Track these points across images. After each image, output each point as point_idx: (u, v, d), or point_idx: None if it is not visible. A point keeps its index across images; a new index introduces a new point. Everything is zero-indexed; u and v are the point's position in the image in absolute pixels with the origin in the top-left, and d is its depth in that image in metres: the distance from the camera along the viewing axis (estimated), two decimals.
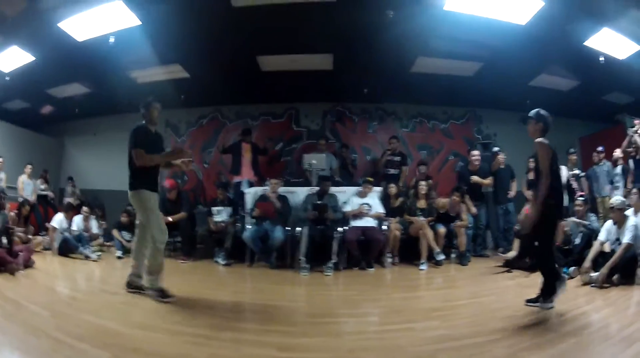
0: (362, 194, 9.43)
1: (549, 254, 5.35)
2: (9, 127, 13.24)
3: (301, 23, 8.79)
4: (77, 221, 10.21)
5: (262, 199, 9.40)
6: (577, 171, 10.59)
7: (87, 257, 9.19)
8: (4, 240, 7.60)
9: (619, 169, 10.17)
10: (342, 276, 8.15)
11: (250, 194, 9.92)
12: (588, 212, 8.23)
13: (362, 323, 5.04)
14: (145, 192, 5.82)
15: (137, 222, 6.14)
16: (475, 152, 10.60)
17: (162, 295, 5.57)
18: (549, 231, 5.28)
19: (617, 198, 7.57)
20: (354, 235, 8.69)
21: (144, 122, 6.06)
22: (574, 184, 10.37)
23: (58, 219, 9.87)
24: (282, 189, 9.68)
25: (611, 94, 11.77)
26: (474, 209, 9.85)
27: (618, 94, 11.64)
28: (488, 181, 10.27)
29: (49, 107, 13.30)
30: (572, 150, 10.94)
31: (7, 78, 10.56)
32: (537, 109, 5.54)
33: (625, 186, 9.80)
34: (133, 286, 6.01)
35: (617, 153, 10.26)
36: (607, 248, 7.05)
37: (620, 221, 6.98)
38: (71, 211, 10.32)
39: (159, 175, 6.21)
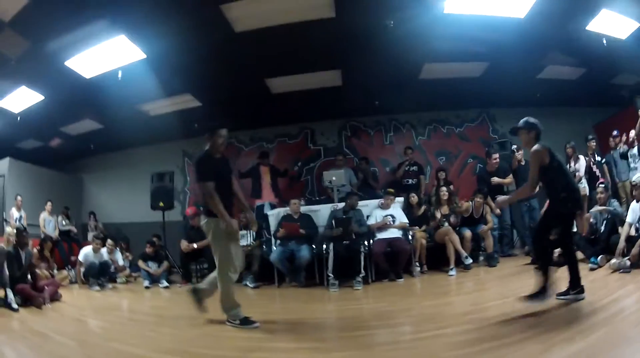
0: (384, 206, 9.45)
1: (569, 244, 5.40)
2: (27, 167, 13.49)
3: (304, 41, 8.86)
4: (103, 254, 10.38)
5: (286, 219, 9.44)
6: (598, 158, 10.47)
7: (101, 285, 9.59)
8: (28, 276, 7.75)
9: (635, 150, 10.06)
10: (371, 290, 8.12)
11: (274, 216, 9.97)
12: (610, 198, 8.14)
13: (393, 334, 4.99)
14: (219, 220, 5.47)
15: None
16: (496, 154, 10.51)
17: (246, 322, 5.41)
18: (565, 222, 5.35)
19: (638, 176, 7.54)
20: (381, 247, 8.71)
21: (207, 148, 5.73)
22: (597, 172, 10.27)
23: (84, 253, 10.05)
24: (304, 209, 9.74)
25: (619, 77, 11.64)
26: (497, 210, 9.78)
27: (626, 75, 11.49)
28: (508, 179, 10.17)
29: (58, 140, 13.46)
30: (590, 137, 10.84)
31: (19, 118, 10.75)
32: (525, 119, 5.57)
33: None
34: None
35: (632, 133, 10.16)
36: (633, 231, 7.03)
37: None
38: (100, 241, 10.44)
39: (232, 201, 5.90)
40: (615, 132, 10.69)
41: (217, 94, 10.92)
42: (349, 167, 12.20)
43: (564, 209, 5.24)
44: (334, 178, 10.34)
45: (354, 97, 11.88)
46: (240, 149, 14.27)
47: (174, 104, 11.23)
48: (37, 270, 8.49)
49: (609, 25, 8.87)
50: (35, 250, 9.75)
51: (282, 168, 12.18)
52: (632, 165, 10.05)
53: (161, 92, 10.44)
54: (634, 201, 7.27)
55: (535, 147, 5.29)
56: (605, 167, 10.49)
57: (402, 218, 9.29)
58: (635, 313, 4.46)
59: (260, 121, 13.58)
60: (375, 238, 9.01)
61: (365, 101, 12.51)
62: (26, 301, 7.21)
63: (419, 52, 9.61)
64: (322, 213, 9.75)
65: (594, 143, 10.63)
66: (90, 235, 12.55)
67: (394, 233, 9.05)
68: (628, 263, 6.38)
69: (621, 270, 6.37)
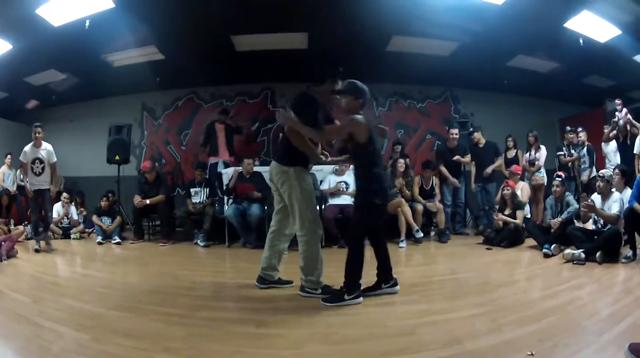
0: (339, 173, 9.45)
1: (379, 236, 5.27)
2: None
3: (275, 0, 8.68)
4: (57, 208, 10.31)
5: (239, 179, 9.39)
6: (573, 151, 10.58)
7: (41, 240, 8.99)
8: None
9: (584, 150, 10.25)
10: None
11: (227, 174, 9.93)
12: (565, 192, 8.26)
13: None
14: (303, 170, 5.07)
15: (276, 206, 5.45)
16: (454, 130, 10.49)
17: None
18: (371, 215, 5.03)
19: (605, 170, 7.79)
20: (332, 212, 8.74)
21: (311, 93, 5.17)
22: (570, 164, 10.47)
23: (24, 150, 9.41)
24: (259, 169, 9.64)
25: (591, 77, 11.78)
26: (454, 179, 9.89)
27: (598, 77, 11.67)
28: (467, 159, 10.21)
29: (34, 102, 13.17)
30: (569, 128, 10.88)
31: None
32: (353, 81, 4.95)
33: (591, 166, 10.04)
34: (268, 283, 5.46)
35: (582, 136, 10.33)
36: (590, 224, 7.30)
37: (605, 193, 7.14)
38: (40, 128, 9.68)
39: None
40: (579, 129, 10.83)
41: (181, 47, 10.68)
42: None
43: (376, 201, 4.83)
44: None
45: (319, 61, 11.74)
46: (199, 106, 14.07)
47: (138, 56, 10.93)
48: None
49: (588, 26, 8.95)
50: None
51: (236, 125, 12.05)
52: (582, 166, 10.26)
53: (126, 44, 10.16)
54: (595, 193, 7.42)
55: (358, 116, 4.71)
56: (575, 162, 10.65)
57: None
58: (589, 305, 4.54)
59: (222, 78, 13.36)
60: (328, 203, 9.07)
61: (329, 67, 12.36)
62: None
63: (389, 24, 9.50)
64: None
65: (572, 135, 10.69)
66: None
67: (346, 199, 9.07)
68: (583, 255, 6.43)
69: (575, 262, 6.41)
